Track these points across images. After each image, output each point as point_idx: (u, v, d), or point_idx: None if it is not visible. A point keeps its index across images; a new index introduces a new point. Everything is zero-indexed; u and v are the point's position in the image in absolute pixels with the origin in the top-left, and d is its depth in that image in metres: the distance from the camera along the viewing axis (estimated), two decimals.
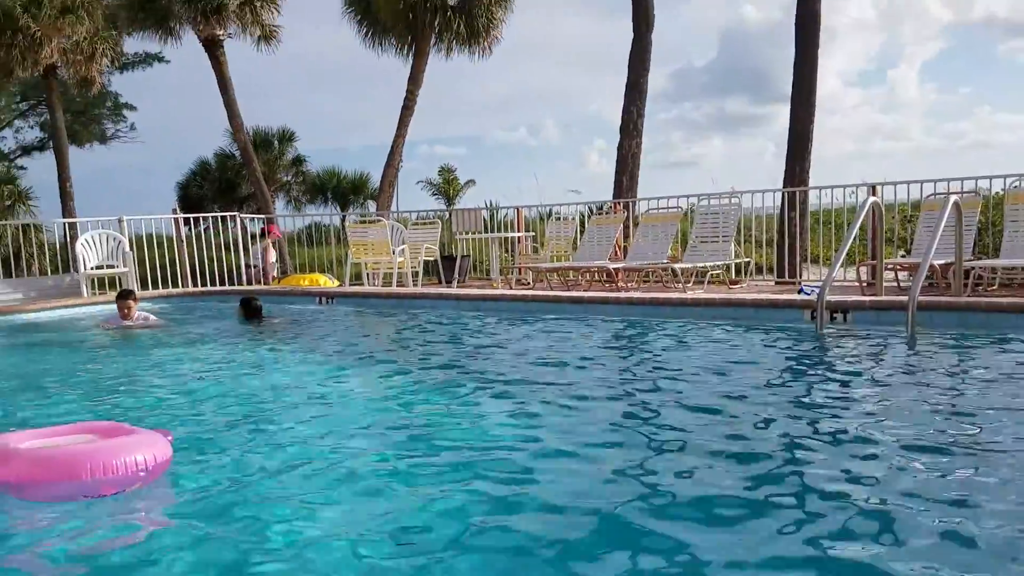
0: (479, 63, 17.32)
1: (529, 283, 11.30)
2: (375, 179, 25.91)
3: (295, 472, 3.32)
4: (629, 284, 10.13)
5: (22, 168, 28.63)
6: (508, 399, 4.40)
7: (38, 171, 32.14)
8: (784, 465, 3.11)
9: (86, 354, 7.14)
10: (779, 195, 11.79)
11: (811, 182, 13.18)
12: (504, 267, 12.38)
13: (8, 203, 19.22)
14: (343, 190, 28.72)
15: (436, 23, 16.28)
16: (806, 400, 4.21)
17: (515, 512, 2.75)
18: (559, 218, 12.23)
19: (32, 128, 30.90)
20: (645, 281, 10.33)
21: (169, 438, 3.24)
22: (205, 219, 13.94)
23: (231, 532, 2.71)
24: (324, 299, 10.01)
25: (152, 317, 8.22)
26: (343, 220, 16.03)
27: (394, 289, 10.49)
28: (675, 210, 10.33)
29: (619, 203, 12.40)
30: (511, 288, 10.63)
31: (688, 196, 10.49)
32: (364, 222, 12.66)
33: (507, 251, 13.26)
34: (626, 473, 3.09)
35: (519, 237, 12.54)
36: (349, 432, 3.90)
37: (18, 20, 16.10)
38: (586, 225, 11.41)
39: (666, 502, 2.76)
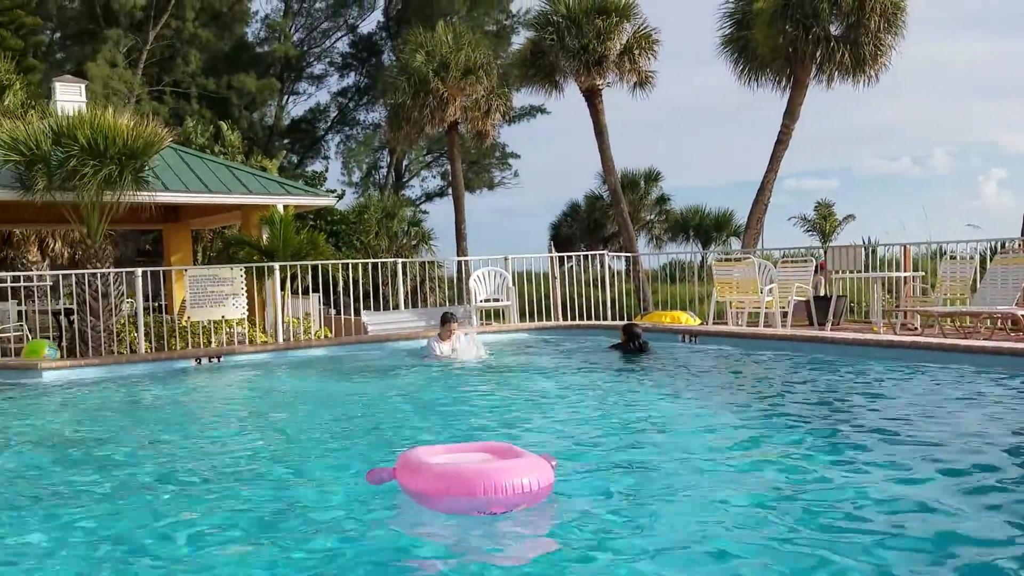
0: (861, 91, 16.12)
1: (917, 328, 10.18)
2: (738, 216, 25.40)
3: (666, 510, 3.29)
4: None
5: (425, 212, 33.08)
6: (890, 462, 3.95)
7: (437, 214, 37.06)
8: None
9: (460, 378, 7.89)
10: None
11: None
12: (887, 310, 11.30)
13: (414, 243, 22.24)
14: (705, 227, 28.61)
15: (818, 54, 15.56)
16: None
17: None
18: (954, 257, 10.86)
19: (435, 177, 35.90)
20: None
21: (553, 463, 3.38)
22: (573, 258, 14.73)
23: (606, 564, 2.75)
24: (689, 337, 9.96)
25: (472, 345, 8.86)
26: (703, 259, 15.90)
27: (762, 330, 10.09)
28: None
29: None
30: (895, 333, 9.65)
31: None
32: (730, 260, 12.39)
33: (889, 292, 12.09)
34: None
35: (905, 277, 11.37)
36: (717, 479, 3.80)
37: (430, 83, 18.68)
38: (987, 265, 9.99)
39: None
